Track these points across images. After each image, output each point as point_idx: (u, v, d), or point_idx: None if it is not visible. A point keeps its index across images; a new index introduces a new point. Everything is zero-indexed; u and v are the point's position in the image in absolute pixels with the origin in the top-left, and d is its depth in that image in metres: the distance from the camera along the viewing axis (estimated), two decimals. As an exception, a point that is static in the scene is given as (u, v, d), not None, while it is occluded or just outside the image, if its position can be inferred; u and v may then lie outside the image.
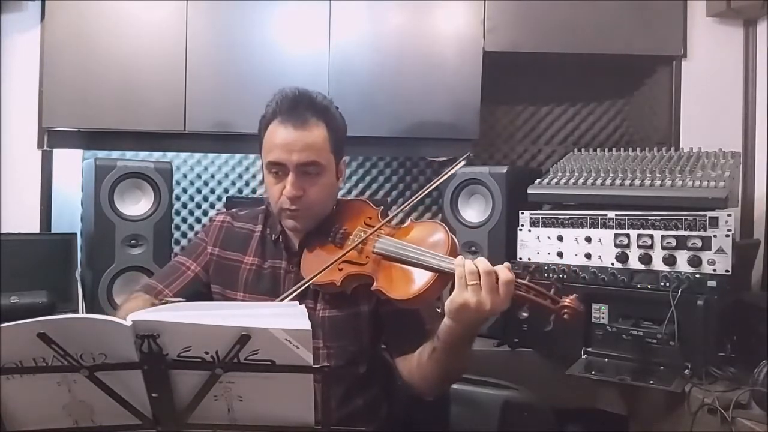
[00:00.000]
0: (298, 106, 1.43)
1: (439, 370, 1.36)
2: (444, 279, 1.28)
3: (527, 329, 1.92)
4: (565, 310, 1.24)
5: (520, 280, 1.26)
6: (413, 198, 1.49)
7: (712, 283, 1.64)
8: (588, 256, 1.83)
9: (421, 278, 1.30)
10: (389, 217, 1.44)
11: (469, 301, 1.20)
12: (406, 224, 1.46)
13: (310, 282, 1.36)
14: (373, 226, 1.42)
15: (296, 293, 1.35)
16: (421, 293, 1.29)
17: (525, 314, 1.26)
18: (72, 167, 2.46)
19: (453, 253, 1.31)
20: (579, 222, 1.86)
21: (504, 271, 1.22)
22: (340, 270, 1.37)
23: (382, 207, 1.50)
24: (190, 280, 1.51)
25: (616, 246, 1.79)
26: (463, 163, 1.46)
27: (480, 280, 1.20)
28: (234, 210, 1.63)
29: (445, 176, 1.47)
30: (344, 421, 1.40)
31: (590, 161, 2.00)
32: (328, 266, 1.36)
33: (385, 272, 1.35)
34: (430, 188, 1.47)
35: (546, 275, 1.87)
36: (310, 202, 1.42)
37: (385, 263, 1.36)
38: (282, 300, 1.35)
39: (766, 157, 2.16)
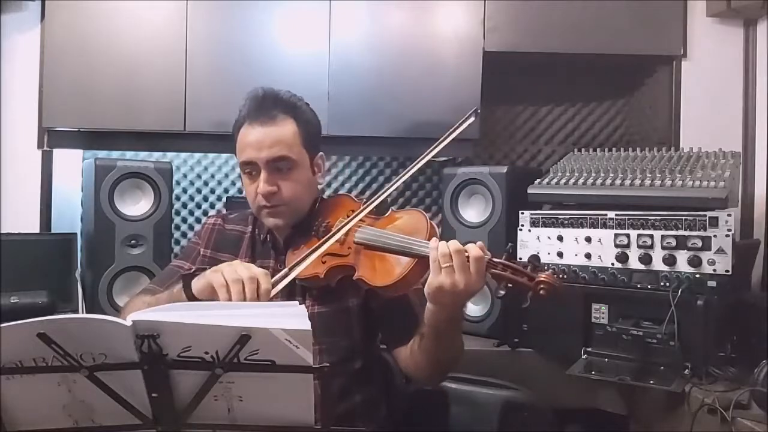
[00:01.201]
0: (264, 104, 1.46)
1: (429, 358, 1.37)
2: (424, 263, 1.28)
3: (527, 329, 1.92)
4: (542, 286, 1.23)
5: (495, 259, 1.27)
6: (396, 180, 1.47)
7: (712, 283, 1.64)
8: (588, 256, 1.83)
9: (400, 264, 1.32)
10: (367, 205, 1.42)
11: (444, 282, 1.22)
12: (386, 214, 1.47)
13: (294, 275, 1.35)
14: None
15: (282, 286, 1.34)
16: (401, 278, 1.30)
17: (502, 292, 1.26)
18: (72, 167, 2.46)
19: (432, 238, 1.32)
20: (579, 222, 1.86)
21: (474, 248, 1.23)
22: (324, 263, 1.39)
23: (364, 199, 1.50)
24: None
25: (616, 246, 1.78)
26: (472, 119, 1.46)
27: (452, 261, 1.21)
28: (225, 212, 1.65)
29: (448, 138, 1.46)
30: (344, 418, 1.40)
31: (590, 161, 2.00)
32: (307, 255, 1.36)
33: (367, 261, 1.36)
34: (426, 157, 1.47)
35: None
36: (285, 197, 1.44)
37: (366, 252, 1.37)
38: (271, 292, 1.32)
39: (766, 157, 2.16)
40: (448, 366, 1.45)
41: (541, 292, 1.24)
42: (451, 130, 1.47)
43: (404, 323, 1.44)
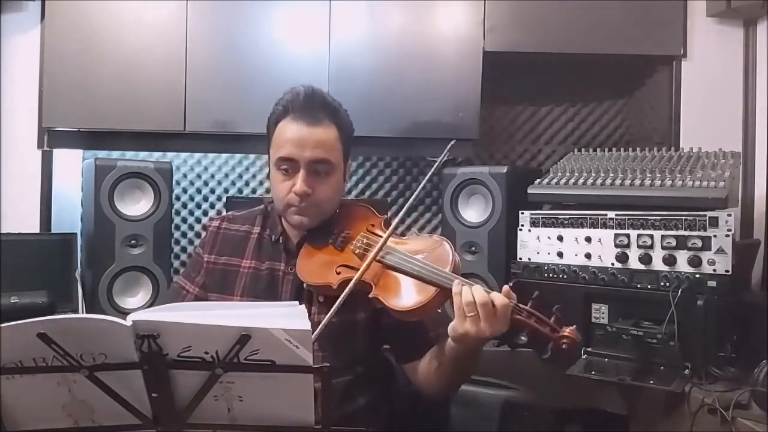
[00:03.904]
0: (312, 104, 1.44)
1: (446, 382, 1.40)
2: (444, 295, 1.27)
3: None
4: (564, 340, 1.24)
5: (521, 305, 1.26)
6: (414, 196, 1.45)
7: (712, 283, 1.63)
8: (588, 256, 1.83)
9: (421, 292, 1.30)
10: (393, 229, 1.38)
11: (469, 330, 1.22)
12: (409, 236, 1.46)
13: (344, 295, 1.29)
14: (376, 233, 1.42)
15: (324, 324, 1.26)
16: (420, 307, 1.28)
17: (524, 338, 1.26)
18: (72, 167, 2.46)
19: (455, 270, 1.31)
20: (579, 222, 1.86)
21: (499, 297, 1.22)
22: (338, 273, 1.36)
23: (386, 216, 1.49)
24: (191, 301, 1.51)
25: (616, 246, 1.78)
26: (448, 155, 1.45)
27: (477, 311, 1.21)
28: (230, 213, 1.63)
29: (441, 160, 1.44)
30: (346, 421, 1.39)
31: (590, 161, 2.00)
32: (360, 274, 1.30)
33: (385, 281, 1.33)
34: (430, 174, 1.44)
35: (546, 275, 1.88)
36: (318, 200, 1.42)
37: (385, 272, 1.34)
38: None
39: (766, 157, 2.16)
40: (463, 383, 1.48)
41: (564, 346, 1.24)
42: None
43: (416, 342, 1.44)
